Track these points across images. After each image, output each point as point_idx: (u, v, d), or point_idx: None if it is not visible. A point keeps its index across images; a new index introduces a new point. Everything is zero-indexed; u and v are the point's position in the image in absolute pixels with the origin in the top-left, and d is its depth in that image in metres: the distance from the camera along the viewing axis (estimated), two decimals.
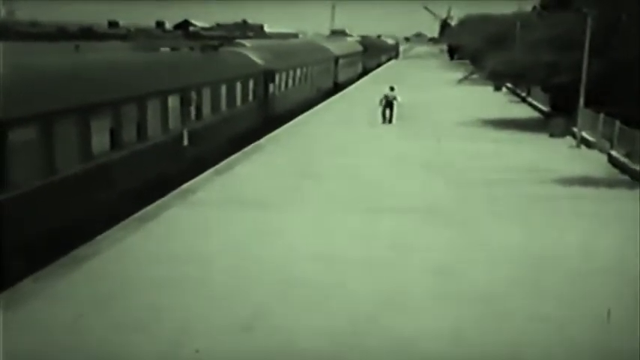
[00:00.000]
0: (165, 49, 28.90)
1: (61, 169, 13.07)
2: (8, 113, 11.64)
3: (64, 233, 12.65)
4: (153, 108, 17.32)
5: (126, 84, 16.57)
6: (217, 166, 20.03)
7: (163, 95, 18.11)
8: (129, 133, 16.00)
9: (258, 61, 28.45)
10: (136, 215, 14.57)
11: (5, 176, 11.47)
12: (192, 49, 29.11)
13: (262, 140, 24.94)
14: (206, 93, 21.30)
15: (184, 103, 19.42)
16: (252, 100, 26.72)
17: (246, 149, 22.94)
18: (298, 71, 35.51)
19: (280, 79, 31.35)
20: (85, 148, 14.06)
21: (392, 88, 31.13)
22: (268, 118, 28.68)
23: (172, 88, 18.82)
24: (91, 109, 14.36)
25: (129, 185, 15.78)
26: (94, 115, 14.38)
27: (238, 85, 24.89)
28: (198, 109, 20.61)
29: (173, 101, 18.71)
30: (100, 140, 14.53)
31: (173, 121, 18.69)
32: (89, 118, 14.19)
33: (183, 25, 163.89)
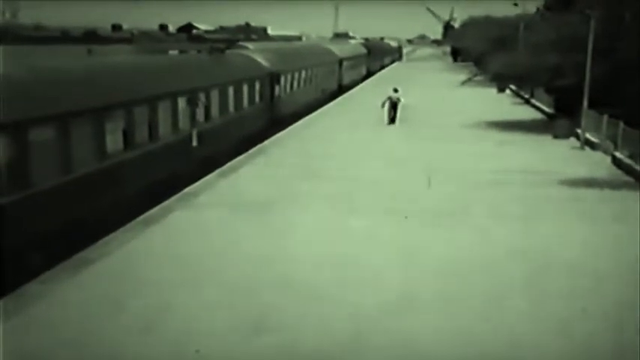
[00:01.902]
0: (173, 52, 29.24)
1: (78, 167, 13.41)
2: (30, 113, 11.97)
3: (80, 230, 12.92)
4: (164, 109, 17.63)
5: (138, 86, 16.90)
6: (220, 169, 20.02)
7: (173, 97, 18.41)
8: (141, 134, 16.29)
9: (265, 63, 28.73)
10: (140, 218, 14.60)
11: (26, 174, 11.79)
12: (199, 51, 29.43)
13: (266, 142, 24.97)
14: (214, 95, 21.59)
15: (193, 104, 19.71)
16: (258, 102, 26.99)
17: (249, 152, 22.98)
18: (303, 73, 35.78)
19: (286, 81, 31.63)
20: (100, 148, 14.40)
21: (396, 90, 31.38)
22: (274, 120, 28.95)
23: (182, 89, 19.12)
24: (106, 110, 14.69)
25: (141, 184, 16.05)
26: (108, 116, 14.72)
27: (245, 87, 25.17)
28: (207, 110, 20.91)
29: (182, 103, 19.01)
30: (114, 140, 14.86)
31: (183, 122, 18.98)
32: (104, 118, 14.52)
33: (187, 28, 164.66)
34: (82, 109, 13.79)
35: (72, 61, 16.88)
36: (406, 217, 14.99)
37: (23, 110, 11.96)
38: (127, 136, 15.51)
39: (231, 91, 23.37)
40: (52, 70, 14.86)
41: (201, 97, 20.42)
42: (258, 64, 28.27)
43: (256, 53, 29.92)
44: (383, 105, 30.99)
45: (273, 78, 29.09)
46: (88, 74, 15.56)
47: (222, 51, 27.03)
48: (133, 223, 14.22)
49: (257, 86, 26.81)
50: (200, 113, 20.35)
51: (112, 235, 13.29)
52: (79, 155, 13.43)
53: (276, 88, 29.65)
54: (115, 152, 14.98)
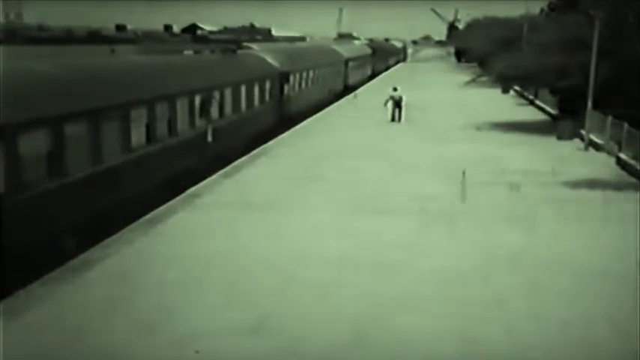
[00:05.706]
0: (188, 52, 29.92)
1: (106, 159, 14.07)
2: (64, 109, 12.60)
3: (108, 217, 13.53)
4: (182, 106, 18.24)
5: (160, 84, 17.53)
6: (224, 169, 19.94)
7: (191, 95, 19.00)
8: (162, 129, 16.91)
9: (274, 63, 29.32)
10: (145, 218, 14.64)
11: (62, 164, 12.47)
12: (212, 51, 30.09)
13: (271, 142, 24.99)
14: (227, 93, 22.19)
15: (208, 102, 20.30)
16: (268, 100, 27.58)
17: (253, 152, 22.93)
18: (311, 73, 36.32)
19: (294, 81, 32.21)
20: (126, 143, 15.03)
21: (395, 89, 31.90)
22: (283, 118, 29.54)
23: (198, 88, 19.70)
24: (131, 107, 15.30)
25: (162, 178, 16.61)
26: (133, 112, 15.34)
27: (256, 86, 25.75)
28: (221, 108, 21.51)
29: (199, 100, 19.58)
30: (138, 135, 15.52)
31: (199, 119, 19.56)
32: (129, 114, 15.13)
33: (191, 28, 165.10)
34: (110, 105, 14.40)
35: (99, 60, 17.56)
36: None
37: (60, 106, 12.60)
38: (150, 132, 16.12)
39: (243, 89, 23.94)
40: (87, 69, 15.57)
41: (216, 95, 21.03)
42: (269, 64, 28.84)
43: (266, 53, 30.52)
44: (386, 103, 31.59)
45: (283, 77, 29.69)
46: (114, 72, 16.19)
47: (233, 51, 27.70)
48: (137, 223, 14.23)
49: (267, 85, 27.41)
50: (215, 111, 20.94)
51: (115, 236, 13.29)
52: (108, 148, 14.07)
53: (286, 87, 30.25)
54: (139, 146, 15.59)
